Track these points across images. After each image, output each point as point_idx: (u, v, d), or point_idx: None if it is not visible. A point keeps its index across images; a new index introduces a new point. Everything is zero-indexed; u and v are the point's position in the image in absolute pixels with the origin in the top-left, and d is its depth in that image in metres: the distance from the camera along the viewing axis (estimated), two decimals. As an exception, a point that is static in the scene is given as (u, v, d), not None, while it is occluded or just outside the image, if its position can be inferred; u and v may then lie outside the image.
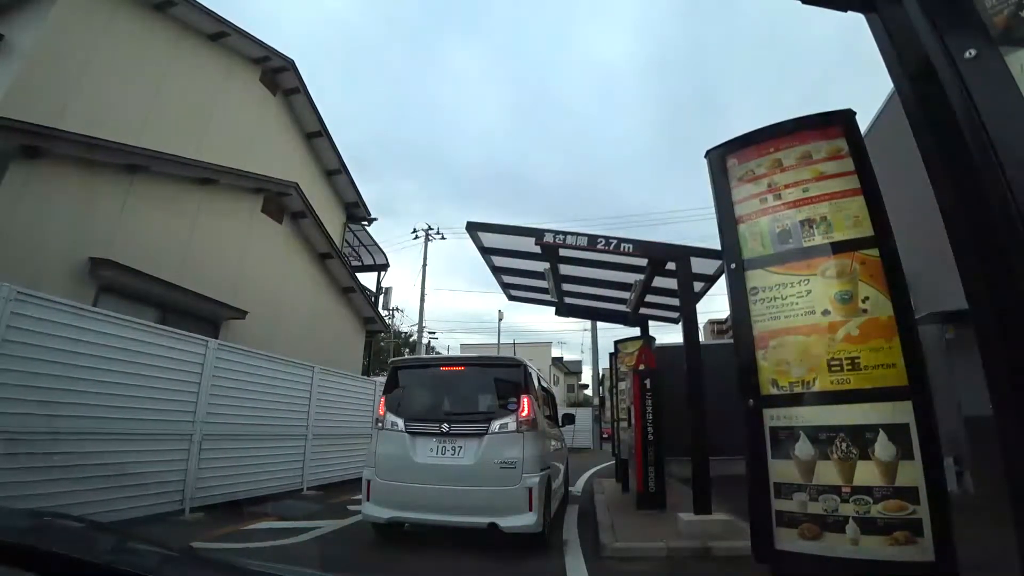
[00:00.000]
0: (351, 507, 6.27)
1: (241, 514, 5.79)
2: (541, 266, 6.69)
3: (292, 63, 11.75)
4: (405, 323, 36.67)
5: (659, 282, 6.26)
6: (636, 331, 8.73)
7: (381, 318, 15.41)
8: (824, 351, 2.44)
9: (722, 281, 3.67)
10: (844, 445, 2.29)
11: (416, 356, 14.47)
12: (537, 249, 5.96)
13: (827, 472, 2.31)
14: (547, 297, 8.37)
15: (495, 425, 4.33)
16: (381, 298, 18.30)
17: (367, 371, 14.52)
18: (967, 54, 1.02)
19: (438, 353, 31.56)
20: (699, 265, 5.35)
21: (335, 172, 14.09)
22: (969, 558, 2.14)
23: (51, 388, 4.24)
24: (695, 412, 4.77)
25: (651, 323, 8.38)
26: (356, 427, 9.05)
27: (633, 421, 6.61)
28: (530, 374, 4.98)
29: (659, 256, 5.48)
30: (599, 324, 23.64)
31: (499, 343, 35.00)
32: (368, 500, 4.43)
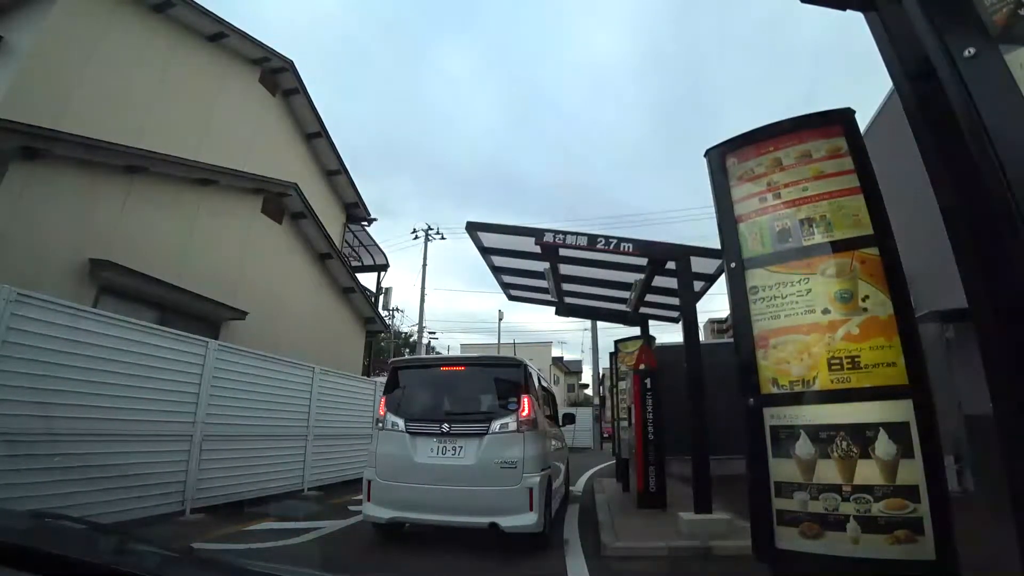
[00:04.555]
0: (352, 507, 6.28)
1: (242, 515, 5.80)
2: (541, 266, 6.68)
3: (291, 64, 11.75)
4: (405, 323, 36.70)
5: (659, 281, 6.26)
6: (636, 330, 8.72)
7: (381, 318, 15.40)
8: (824, 350, 2.44)
9: (722, 280, 3.67)
10: (844, 444, 2.29)
11: (416, 356, 14.46)
12: (537, 249, 5.95)
13: (828, 471, 2.31)
14: (547, 297, 8.36)
15: (495, 425, 4.33)
16: (381, 298, 18.30)
17: (367, 371, 14.50)
18: (966, 53, 1.02)
19: (438, 353, 31.56)
20: (699, 264, 5.35)
21: (335, 172, 14.09)
22: (970, 556, 2.14)
23: (51, 389, 4.24)
24: (695, 411, 4.77)
25: (651, 323, 8.37)
26: (356, 427, 9.04)
27: (633, 420, 6.61)
28: (530, 374, 4.97)
29: (659, 255, 5.48)
30: (599, 324, 23.67)
31: (499, 343, 35.01)
32: (369, 500, 4.44)
